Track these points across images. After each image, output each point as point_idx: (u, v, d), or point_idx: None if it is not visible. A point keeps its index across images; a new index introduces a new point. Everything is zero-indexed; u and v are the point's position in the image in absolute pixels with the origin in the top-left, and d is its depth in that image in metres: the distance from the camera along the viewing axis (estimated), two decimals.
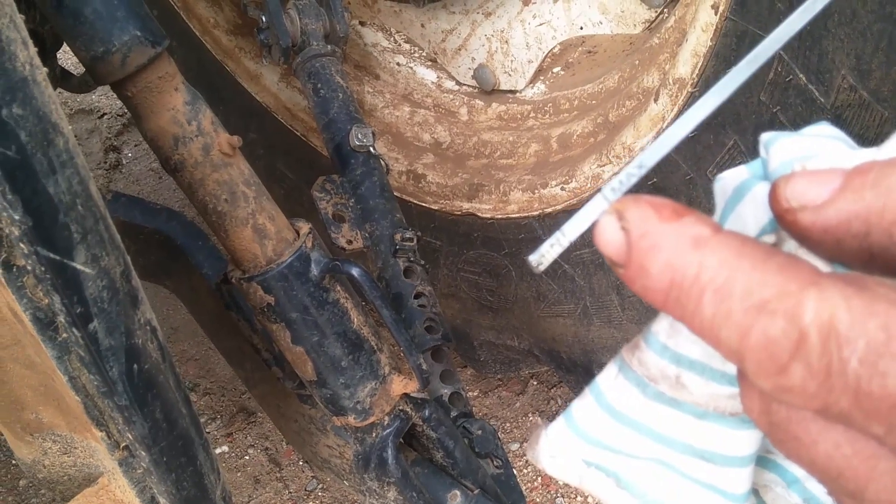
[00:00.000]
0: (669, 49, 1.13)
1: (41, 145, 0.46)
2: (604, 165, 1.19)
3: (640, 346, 0.41)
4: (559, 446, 0.43)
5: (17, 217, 0.47)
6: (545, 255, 0.36)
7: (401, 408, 0.93)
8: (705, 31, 0.95)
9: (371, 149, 1.23)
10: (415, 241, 1.18)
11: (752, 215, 0.37)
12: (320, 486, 1.64)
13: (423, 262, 1.19)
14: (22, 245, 0.49)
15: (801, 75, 0.86)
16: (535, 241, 1.33)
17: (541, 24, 1.38)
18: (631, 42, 1.35)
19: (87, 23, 0.71)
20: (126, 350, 0.58)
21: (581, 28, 1.33)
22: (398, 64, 1.66)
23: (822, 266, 0.34)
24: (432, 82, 1.62)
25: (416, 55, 1.65)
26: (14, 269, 0.57)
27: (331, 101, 1.26)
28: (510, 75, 1.48)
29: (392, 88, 1.65)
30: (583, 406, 0.43)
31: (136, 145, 2.41)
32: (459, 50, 1.53)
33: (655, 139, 1.08)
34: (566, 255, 1.33)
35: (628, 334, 1.33)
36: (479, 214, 1.44)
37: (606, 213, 0.34)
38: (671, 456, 0.42)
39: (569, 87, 1.41)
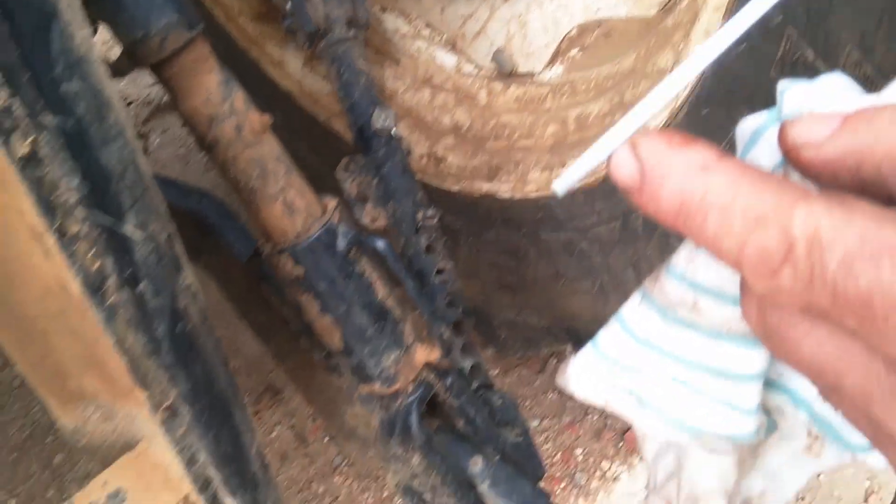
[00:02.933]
0: (683, 29, 1.16)
1: (96, 118, 0.51)
2: None
3: (660, 277, 0.45)
4: (586, 371, 0.48)
5: (74, 184, 0.51)
6: (567, 181, 0.41)
7: (424, 376, 0.97)
8: (717, 11, 0.98)
9: (393, 131, 1.27)
10: (436, 219, 1.21)
11: (766, 155, 0.42)
12: (345, 461, 1.68)
13: (444, 239, 1.23)
14: (78, 211, 0.54)
15: (809, 51, 0.89)
16: (554, 221, 1.37)
17: (558, 8, 1.41)
18: (647, 23, 1.37)
19: (127, 8, 0.75)
20: (170, 311, 0.62)
21: (597, 11, 1.35)
22: (418, 49, 1.69)
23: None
24: (452, 66, 1.66)
25: (436, 40, 1.68)
26: (67, 237, 0.61)
27: (353, 85, 1.30)
28: (528, 58, 1.51)
29: (412, 73, 1.69)
30: (608, 333, 0.48)
31: (163, 132, 2.46)
32: (478, 34, 1.57)
33: (669, 116, 1.11)
34: (583, 232, 1.37)
35: None
36: (499, 195, 1.47)
37: (622, 144, 0.38)
38: (688, 375, 0.46)
39: (586, 68, 1.44)
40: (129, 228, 0.56)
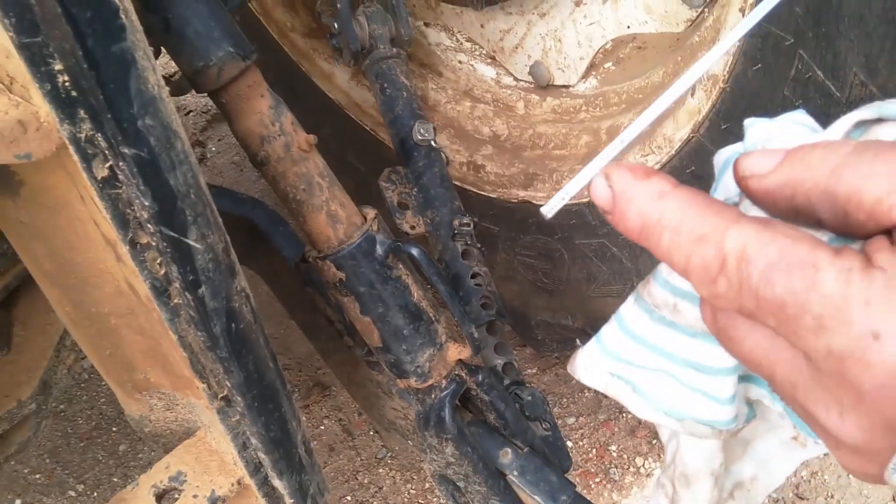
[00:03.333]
0: (707, 47, 1.22)
1: (165, 147, 0.60)
2: (647, 155, 1.29)
3: (649, 282, 0.53)
4: (590, 361, 0.56)
5: (146, 203, 0.61)
6: (553, 207, 0.49)
7: (457, 373, 1.05)
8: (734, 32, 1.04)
9: (432, 142, 1.35)
10: (471, 226, 1.29)
11: (731, 182, 0.49)
12: (389, 454, 1.77)
13: (479, 245, 1.30)
14: (149, 225, 0.63)
15: (819, 72, 0.95)
16: (587, 226, 1.44)
17: (591, 24, 1.47)
18: (677, 38, 1.43)
19: (189, 42, 0.84)
20: (226, 312, 0.71)
21: (628, 27, 1.42)
22: (460, 62, 1.77)
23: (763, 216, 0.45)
24: (491, 78, 1.73)
25: (477, 53, 1.76)
26: (138, 246, 0.71)
27: (396, 100, 1.39)
28: (563, 71, 1.58)
29: (454, 85, 1.77)
30: (609, 329, 0.57)
31: (219, 140, 2.59)
32: (516, 48, 1.64)
33: (692, 130, 1.17)
34: (614, 238, 1.43)
35: None
36: (535, 202, 1.55)
37: (597, 174, 0.46)
38: (672, 367, 0.54)
39: (618, 81, 1.51)
40: (192, 240, 0.65)
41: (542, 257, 1.60)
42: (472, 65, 1.76)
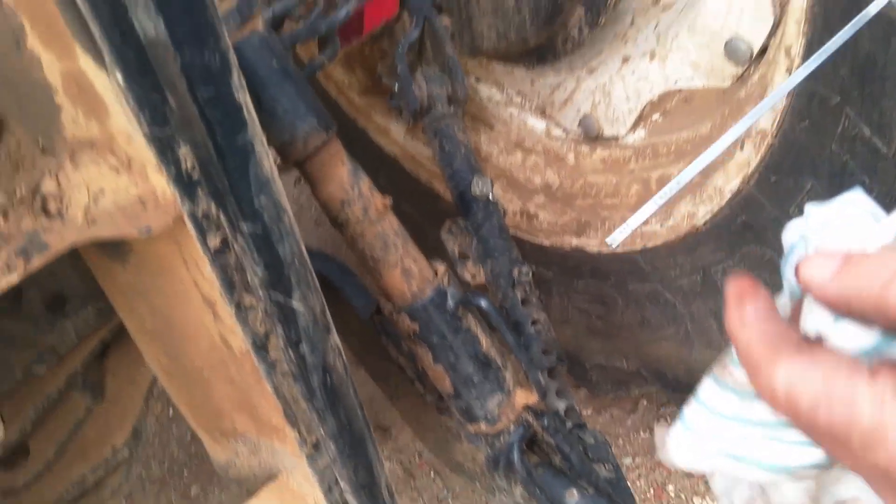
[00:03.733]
0: (754, 102, 1.28)
1: (276, 222, 0.67)
2: (698, 205, 1.34)
3: (728, 366, 0.59)
4: (681, 446, 0.62)
5: (259, 272, 0.68)
6: (618, 238, 0.55)
7: (524, 417, 1.11)
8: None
9: (490, 196, 1.42)
10: (530, 275, 1.35)
11: (792, 275, 0.55)
12: (450, 494, 1.82)
13: (538, 293, 1.36)
14: (259, 291, 0.70)
15: (865, 129, 1.00)
16: (640, 273, 1.49)
17: (639, 80, 1.54)
18: (722, 93, 1.49)
19: (278, 118, 0.93)
20: (322, 366, 0.78)
21: (676, 82, 1.48)
22: (510, 115, 1.85)
23: (828, 316, 0.51)
24: (541, 130, 1.81)
25: (527, 107, 1.84)
26: (242, 307, 0.78)
27: (454, 156, 1.46)
28: (612, 124, 1.65)
29: (505, 137, 1.84)
30: (692, 412, 0.62)
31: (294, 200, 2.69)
32: (566, 102, 1.71)
33: (742, 182, 1.22)
34: (667, 284, 1.48)
35: None
36: (587, 249, 1.60)
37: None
38: (770, 431, 0.59)
39: (666, 133, 1.57)
40: (296, 302, 0.72)
41: (596, 302, 1.65)
42: (522, 118, 1.83)
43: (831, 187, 1.09)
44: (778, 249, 1.22)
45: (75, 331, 1.15)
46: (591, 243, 1.60)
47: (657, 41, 1.49)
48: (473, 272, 1.38)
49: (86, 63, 0.71)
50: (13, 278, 0.73)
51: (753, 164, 1.19)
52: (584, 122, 1.70)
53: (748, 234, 1.26)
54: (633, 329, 1.61)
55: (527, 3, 1.39)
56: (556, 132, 1.78)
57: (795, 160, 1.12)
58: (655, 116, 1.62)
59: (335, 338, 0.81)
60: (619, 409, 1.94)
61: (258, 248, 0.67)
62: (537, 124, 1.81)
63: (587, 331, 1.71)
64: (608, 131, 1.67)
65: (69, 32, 0.69)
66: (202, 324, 0.98)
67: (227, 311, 0.91)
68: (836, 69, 1.00)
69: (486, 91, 1.86)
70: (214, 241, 0.72)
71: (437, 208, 1.81)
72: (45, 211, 0.76)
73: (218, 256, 0.73)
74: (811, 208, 0.57)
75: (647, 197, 1.53)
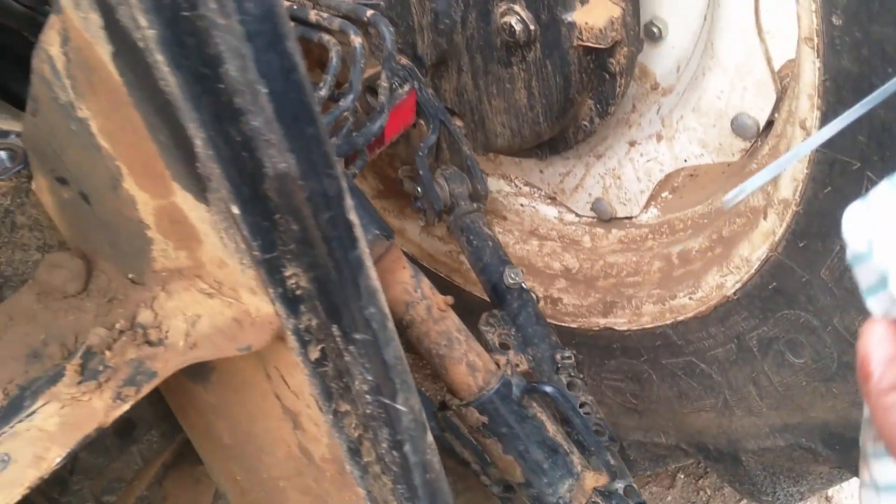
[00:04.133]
0: None
1: (381, 328, 0.71)
2: (726, 276, 1.39)
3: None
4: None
5: (369, 378, 0.71)
6: (734, 199, 0.57)
7: (593, 500, 1.12)
8: (800, 161, 1.16)
9: (522, 284, 1.47)
10: (572, 358, 1.39)
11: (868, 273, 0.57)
12: None
13: (581, 376, 1.39)
14: (367, 396, 0.73)
15: None
16: (672, 346, 1.52)
17: (648, 161, 1.61)
18: (728, 165, 1.57)
19: None
20: (423, 464, 0.80)
21: (685, 161, 1.55)
22: (521, 205, 1.92)
23: None
24: (554, 217, 1.87)
25: (537, 195, 1.90)
26: (338, 415, 0.81)
27: (483, 250, 1.51)
28: (625, 205, 1.71)
29: (519, 226, 1.90)
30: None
31: None
32: (577, 188, 1.78)
33: (769, 250, 1.28)
34: (701, 355, 1.52)
35: (769, 420, 1.49)
36: (616, 328, 1.64)
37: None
38: None
39: (679, 209, 1.63)
40: (399, 404, 0.75)
41: (630, 379, 1.68)
42: (533, 206, 1.90)
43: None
44: (812, 311, 1.27)
45: (141, 456, 1.16)
46: (619, 322, 1.64)
47: (662, 123, 1.57)
48: (516, 361, 1.41)
49: (183, 199, 0.75)
50: (125, 407, 0.76)
51: (779, 232, 1.24)
52: (597, 206, 1.77)
53: (780, 298, 1.31)
54: (670, 403, 1.64)
55: (539, 100, 1.47)
56: (569, 217, 1.84)
57: (822, 225, 1.17)
58: (665, 194, 1.69)
59: (430, 436, 0.83)
60: (658, 486, 1.95)
61: (368, 354, 0.70)
62: (549, 211, 1.87)
63: (622, 409, 1.74)
64: (621, 212, 1.73)
65: (168, 174, 0.74)
66: (280, 436, 1.00)
67: (310, 420, 0.93)
68: (855, 137, 1.06)
69: (495, 184, 1.93)
70: (315, 352, 0.75)
71: (459, 302, 1.85)
72: (147, 341, 0.79)
73: (318, 367, 0.76)
74: (877, 194, 0.59)
75: (670, 272, 1.59)
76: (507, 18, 1.36)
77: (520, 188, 1.92)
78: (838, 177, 1.12)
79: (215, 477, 1.17)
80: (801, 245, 1.22)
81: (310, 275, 0.65)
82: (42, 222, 0.94)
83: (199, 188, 0.70)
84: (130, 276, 0.85)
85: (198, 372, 0.94)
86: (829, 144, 1.11)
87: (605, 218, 1.76)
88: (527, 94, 1.47)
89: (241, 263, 0.74)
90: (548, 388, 1.05)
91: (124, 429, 1.12)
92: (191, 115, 0.59)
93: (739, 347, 1.43)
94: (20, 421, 0.75)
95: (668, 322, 1.53)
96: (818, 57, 1.04)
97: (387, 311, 0.72)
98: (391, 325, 0.73)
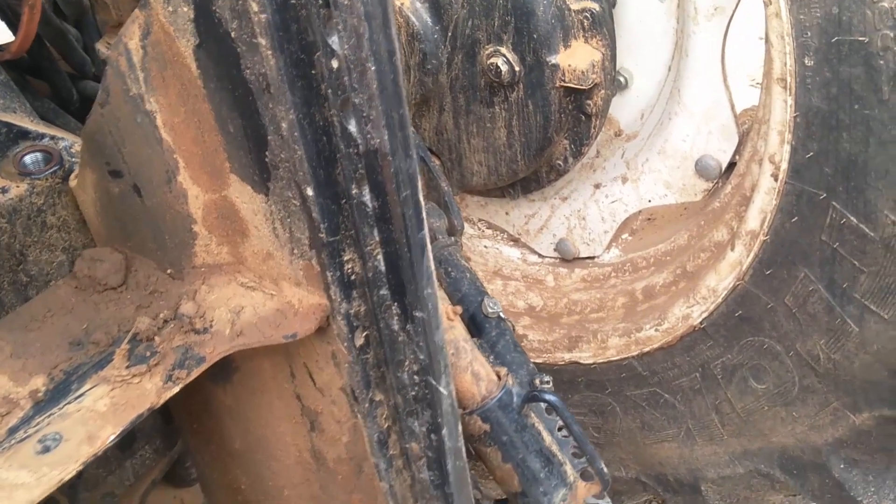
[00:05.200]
0: (733, 210, 1.45)
1: (435, 309, 0.75)
2: (692, 306, 1.48)
3: None
4: None
5: (421, 356, 0.75)
6: None
7: None
8: (768, 194, 1.27)
9: (500, 314, 1.52)
10: (551, 383, 1.44)
11: None
12: None
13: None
14: (416, 377, 0.77)
15: (852, 218, 1.17)
16: (637, 378, 1.59)
17: (613, 202, 1.71)
18: (685, 208, 1.67)
19: None
20: (456, 451, 0.84)
21: (650, 201, 1.66)
22: (485, 247, 1.98)
23: None
24: (518, 258, 1.94)
25: (499, 237, 1.97)
26: (373, 403, 0.84)
27: (461, 280, 1.56)
28: (588, 245, 1.80)
29: (483, 267, 1.97)
30: None
31: None
32: (541, 229, 1.86)
33: (735, 279, 1.37)
34: (666, 385, 1.59)
35: (730, 447, 1.56)
36: (582, 361, 1.71)
37: None
38: None
39: (640, 249, 1.73)
40: (442, 387, 0.79)
41: (593, 413, 1.74)
42: (497, 248, 1.97)
43: (823, 273, 1.25)
44: (775, 337, 1.36)
45: (133, 471, 1.14)
46: (584, 356, 1.71)
47: (627, 166, 1.67)
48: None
49: (238, 191, 0.78)
50: (176, 390, 0.77)
51: (746, 261, 1.34)
52: (560, 247, 1.85)
53: (745, 326, 1.40)
54: (632, 434, 1.70)
55: (518, 138, 1.55)
56: (532, 258, 1.92)
57: (788, 253, 1.27)
58: (625, 236, 1.79)
59: (460, 424, 0.87)
60: None
61: (423, 333, 0.74)
62: (512, 252, 1.94)
63: None
64: (584, 252, 1.81)
65: (227, 167, 0.77)
66: (293, 440, 1.01)
67: (331, 419, 0.96)
68: (822, 169, 1.17)
69: None
70: (360, 338, 0.79)
71: None
72: (193, 329, 0.81)
73: (361, 353, 0.80)
74: None
75: (634, 307, 1.67)
76: (493, 60, 1.45)
77: (483, 231, 1.99)
78: (805, 207, 1.22)
79: (212, 491, 1.16)
80: (767, 273, 1.32)
81: (383, 251, 0.69)
82: (70, 224, 0.94)
83: (262, 178, 0.74)
84: (169, 271, 0.87)
85: (221, 372, 0.95)
86: (797, 177, 1.22)
87: (568, 258, 1.84)
88: (506, 132, 1.55)
89: (292, 254, 0.77)
90: (551, 397, 1.10)
91: (125, 440, 1.10)
92: (284, 98, 0.63)
93: (704, 376, 1.52)
94: (69, 403, 0.75)
95: (634, 354, 1.61)
96: (790, 95, 1.15)
97: (438, 294, 0.76)
98: (440, 307, 0.77)
